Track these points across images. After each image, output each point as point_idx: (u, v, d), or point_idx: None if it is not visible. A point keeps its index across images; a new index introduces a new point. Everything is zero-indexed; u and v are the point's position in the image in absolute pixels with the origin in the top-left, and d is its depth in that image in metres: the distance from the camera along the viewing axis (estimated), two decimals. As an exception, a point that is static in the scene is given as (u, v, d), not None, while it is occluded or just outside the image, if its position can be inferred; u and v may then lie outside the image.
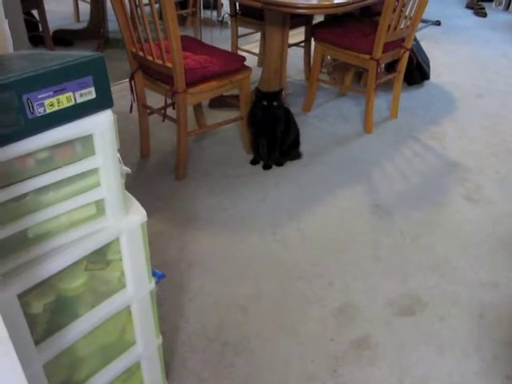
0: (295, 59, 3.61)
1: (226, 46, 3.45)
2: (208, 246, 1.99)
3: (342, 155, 2.64)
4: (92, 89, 0.88)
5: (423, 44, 3.55)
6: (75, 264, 1.02)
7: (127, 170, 1.08)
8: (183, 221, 2.12)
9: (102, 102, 0.90)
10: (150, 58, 2.15)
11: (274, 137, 2.40)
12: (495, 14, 5.41)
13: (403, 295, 1.78)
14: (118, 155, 1.04)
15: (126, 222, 1.06)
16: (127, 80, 2.36)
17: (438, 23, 4.79)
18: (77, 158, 0.94)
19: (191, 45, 2.41)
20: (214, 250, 1.97)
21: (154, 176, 2.41)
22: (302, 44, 3.43)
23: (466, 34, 4.66)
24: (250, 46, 3.84)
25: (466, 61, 4.01)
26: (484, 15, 5.22)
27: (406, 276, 1.87)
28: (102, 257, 1.10)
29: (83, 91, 0.87)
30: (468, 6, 5.55)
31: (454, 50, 4.24)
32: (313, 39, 2.89)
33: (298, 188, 2.36)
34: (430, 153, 2.69)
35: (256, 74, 3.05)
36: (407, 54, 2.82)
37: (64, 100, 0.85)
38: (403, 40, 2.76)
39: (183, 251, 1.96)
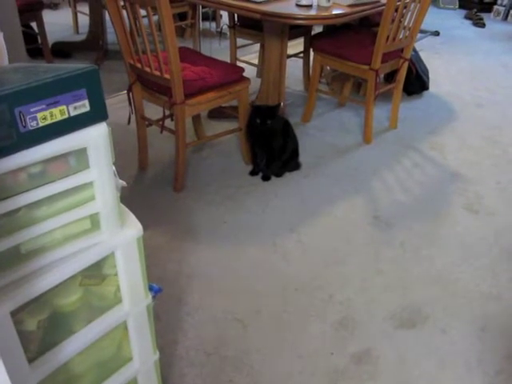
0: (294, 70, 3.62)
1: (225, 57, 3.46)
2: (207, 258, 1.97)
3: (342, 166, 2.63)
4: (86, 101, 0.86)
5: (422, 54, 3.55)
6: (70, 279, 1.00)
7: (122, 183, 1.06)
8: (182, 233, 2.10)
9: (97, 114, 0.89)
10: (147, 69, 2.14)
11: (272, 149, 2.39)
12: (494, 24, 5.43)
13: (404, 308, 1.76)
14: (114, 168, 1.02)
15: (121, 237, 1.04)
16: (126, 92, 2.36)
17: (436, 34, 4.81)
18: (71, 172, 0.92)
19: (190, 56, 2.41)
20: (213, 263, 1.94)
21: (152, 188, 2.40)
22: (301, 55, 3.43)
23: (465, 45, 4.67)
24: (249, 57, 3.85)
25: (465, 71, 4.01)
26: (482, 26, 5.24)
27: (407, 288, 1.85)
28: (97, 271, 1.08)
29: (77, 104, 0.85)
30: (467, 17, 5.57)
31: (453, 60, 4.24)
32: (311, 50, 2.89)
33: (297, 199, 2.34)
34: (430, 163, 2.68)
35: (255, 85, 3.05)
36: (406, 64, 2.82)
37: (57, 113, 0.83)
38: (402, 50, 2.76)
39: (182, 264, 1.94)
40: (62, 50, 3.99)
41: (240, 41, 3.36)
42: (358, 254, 2.01)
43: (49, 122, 0.83)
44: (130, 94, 2.32)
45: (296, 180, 2.49)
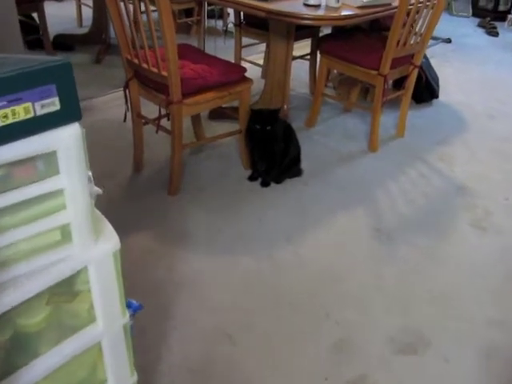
0: (300, 72, 3.51)
1: (230, 56, 3.36)
2: (198, 267, 1.86)
3: (345, 174, 2.52)
4: (56, 99, 0.76)
5: (433, 62, 3.44)
6: (36, 296, 0.89)
7: (98, 190, 0.96)
8: (174, 239, 1.99)
9: (68, 114, 0.79)
10: (145, 65, 2.04)
11: (272, 155, 2.29)
12: (507, 33, 5.31)
13: (405, 331, 1.65)
14: (90, 173, 0.92)
15: (95, 250, 0.94)
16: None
17: (448, 41, 4.69)
18: (38, 178, 0.82)
19: (190, 53, 2.31)
20: (204, 273, 1.84)
21: (146, 190, 2.29)
22: (308, 57, 3.33)
23: (478, 53, 4.56)
24: (255, 57, 3.74)
25: (476, 80, 3.90)
26: (496, 35, 5.12)
27: (408, 310, 1.74)
28: (68, 288, 0.97)
29: (45, 102, 0.75)
30: (480, 25, 5.44)
31: (465, 68, 4.13)
32: (318, 52, 2.79)
33: (297, 208, 2.23)
34: (437, 175, 2.57)
35: (259, 85, 2.94)
36: (416, 70, 2.71)
37: (21, 111, 0.73)
38: (412, 56, 2.65)
39: (171, 272, 1.83)
40: (64, 43, 3.89)
41: (246, 40, 3.26)
42: (358, 270, 1.90)
43: (10, 121, 0.73)
44: (127, 91, 2.22)
45: (296, 187, 2.38)
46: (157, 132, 2.12)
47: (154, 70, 2.01)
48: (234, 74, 2.20)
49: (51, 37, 3.66)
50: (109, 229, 0.99)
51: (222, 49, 3.73)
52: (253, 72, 3.31)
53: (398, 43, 2.41)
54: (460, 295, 1.81)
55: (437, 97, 3.38)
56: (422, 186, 2.46)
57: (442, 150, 2.81)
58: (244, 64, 3.29)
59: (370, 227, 2.14)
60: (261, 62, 3.53)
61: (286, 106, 2.84)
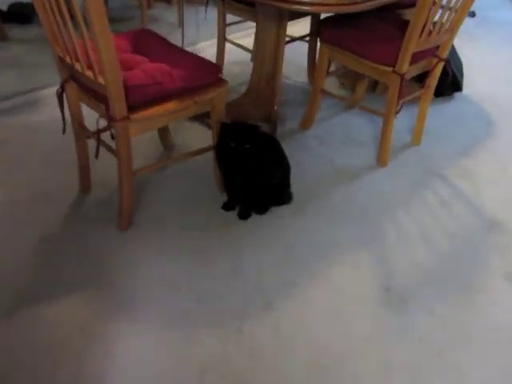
0: (298, 55, 2.93)
1: (213, 33, 2.78)
2: (143, 348, 1.39)
3: (346, 199, 2.01)
4: None
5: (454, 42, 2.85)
6: None
7: None
8: (115, 301, 1.51)
9: None
10: (78, 67, 1.50)
11: (252, 181, 1.77)
12: (538, 5, 4.64)
13: None
14: None
15: None
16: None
17: (472, 14, 4.06)
18: None
19: (146, 45, 1.76)
20: (148, 358, 1.37)
21: (91, 220, 1.79)
22: (307, 38, 2.75)
23: (507, 31, 3.92)
24: (243, 33, 3.16)
25: (506, 66, 3.31)
26: (526, 6, 4.46)
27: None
28: None
29: None
30: (507, -6, 4.77)
31: (492, 50, 3.53)
32: (318, 39, 2.22)
33: (282, 251, 1.74)
34: (460, 201, 2.05)
35: (249, 71, 2.37)
36: (441, 65, 2.15)
37: None
38: (437, 46, 2.09)
39: (105, 361, 1.36)
40: (21, 13, 3.30)
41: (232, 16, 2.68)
42: (358, 353, 1.43)
43: None
44: (63, 95, 1.68)
45: (283, 219, 1.87)
46: (96, 157, 1.60)
47: (89, 74, 1.47)
48: (204, 76, 1.66)
49: (5, 5, 3.08)
50: None
51: (204, 23, 3.14)
52: (241, 54, 2.75)
53: (421, 33, 1.84)
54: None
55: (460, 90, 2.82)
56: (442, 217, 1.96)
57: (465, 164, 2.28)
58: (229, 46, 2.74)
59: (377, 284, 1.65)
60: (251, 40, 2.94)
61: (275, 107, 2.29)
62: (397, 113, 2.06)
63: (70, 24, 1.38)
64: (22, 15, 3.26)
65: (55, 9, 1.38)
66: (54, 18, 1.42)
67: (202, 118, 2.30)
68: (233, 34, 3.04)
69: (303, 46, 2.82)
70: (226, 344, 1.41)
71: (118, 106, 1.45)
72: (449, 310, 1.58)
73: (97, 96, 1.54)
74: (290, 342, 1.44)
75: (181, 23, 3.26)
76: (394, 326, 1.51)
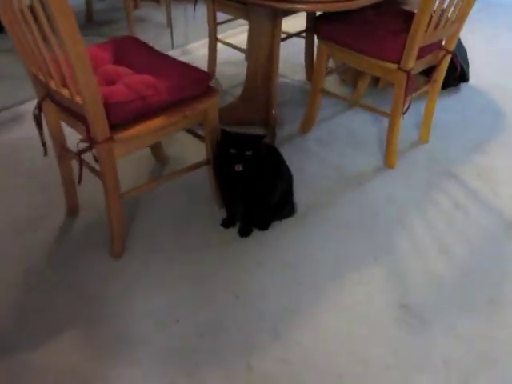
0: (295, 51, 2.78)
1: (202, 32, 2.63)
2: (141, 394, 1.26)
3: (354, 206, 1.87)
4: None
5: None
6: None
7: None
8: (108, 342, 1.38)
9: None
10: (52, 85, 1.36)
11: (254, 195, 1.64)
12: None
13: None
14: None
15: None
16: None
17: (473, -2, 3.88)
18: None
19: (130, 55, 1.61)
20: (148, 406, 1.24)
21: (79, 250, 1.65)
22: (304, 34, 2.60)
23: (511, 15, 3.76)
24: (236, 31, 3.01)
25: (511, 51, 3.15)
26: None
27: None
28: None
29: None
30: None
31: (497, 35, 3.37)
32: (316, 36, 2.08)
33: (287, 271, 1.60)
34: (477, 203, 1.91)
35: (243, 71, 2.22)
36: (448, 58, 2.00)
37: None
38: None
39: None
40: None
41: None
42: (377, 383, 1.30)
43: None
44: (41, 116, 1.54)
45: (287, 235, 1.74)
46: (79, 182, 1.46)
47: (66, 92, 1.33)
48: (193, 87, 1.51)
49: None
50: None
51: (194, 22, 2.99)
52: (234, 53, 2.60)
53: (427, 26, 1.70)
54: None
55: (467, 80, 2.67)
56: (459, 222, 1.82)
57: (479, 161, 2.14)
58: (220, 46, 2.59)
59: (391, 302, 1.51)
60: (244, 37, 2.78)
61: (274, 110, 2.15)
62: (404, 113, 1.91)
63: (37, 34, 1.23)
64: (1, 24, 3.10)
65: (21, 18, 1.24)
66: (21, 28, 1.28)
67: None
68: (224, 33, 2.90)
69: (300, 42, 2.67)
70: None
71: (100, 127, 1.31)
72: (473, 328, 1.45)
73: (76, 115, 1.40)
74: (301, 374, 1.31)
75: (169, 23, 3.11)
76: (413, 349, 1.38)
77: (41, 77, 1.39)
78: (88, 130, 1.33)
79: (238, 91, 2.34)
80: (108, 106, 1.32)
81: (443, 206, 1.89)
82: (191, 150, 2.05)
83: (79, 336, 1.39)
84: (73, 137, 1.53)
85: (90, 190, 1.77)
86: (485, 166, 2.11)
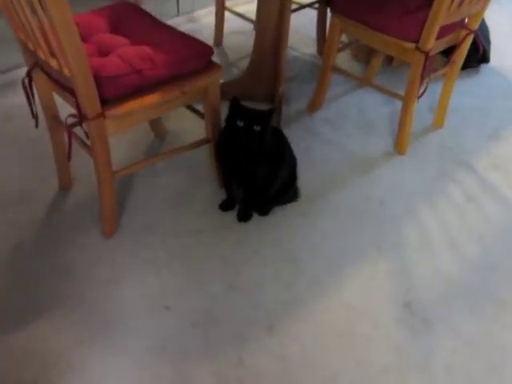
0: (305, 23, 2.64)
1: (210, 0, 2.50)
2: (126, 386, 1.20)
3: (361, 195, 1.78)
4: None
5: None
6: None
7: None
8: (96, 328, 1.32)
9: None
10: (41, 54, 1.26)
11: (255, 178, 1.54)
12: None
13: None
14: None
15: None
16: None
17: (498, -28, 3.68)
18: None
19: (128, 23, 1.49)
20: (133, 399, 1.18)
21: (70, 227, 1.58)
22: (317, 5, 2.46)
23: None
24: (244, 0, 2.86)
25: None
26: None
27: None
28: None
29: None
30: None
31: (520, 13, 3.19)
32: (329, 9, 1.94)
33: (286, 261, 1.53)
34: (491, 196, 1.81)
35: (251, 42, 2.09)
36: (471, 37, 1.87)
37: None
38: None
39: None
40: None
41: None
42: (375, 388, 1.24)
43: None
44: (30, 85, 1.44)
45: (288, 222, 1.65)
46: (68, 159, 1.37)
47: (53, 63, 1.23)
48: (193, 61, 1.40)
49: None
50: None
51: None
52: (243, 23, 2.46)
53: (451, 2, 1.56)
54: None
55: (487, 61, 2.52)
56: (471, 215, 1.72)
57: (495, 151, 2.03)
58: (228, 15, 2.45)
59: (394, 300, 1.44)
60: (253, 8, 2.64)
61: (281, 88, 2.03)
62: (419, 97, 1.79)
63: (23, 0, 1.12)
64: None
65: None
66: (8, -6, 1.17)
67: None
68: (232, 1, 2.75)
69: (312, 13, 2.52)
70: (224, 379, 1.22)
71: (90, 102, 1.22)
72: (479, 331, 1.37)
73: (65, 88, 1.30)
74: (296, 373, 1.25)
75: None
76: (416, 351, 1.31)
77: (29, 44, 1.28)
78: (78, 105, 1.24)
79: (245, 64, 2.21)
80: (99, 80, 1.22)
81: (455, 198, 1.79)
82: (192, 124, 1.95)
83: (65, 320, 1.33)
84: (66, 107, 1.44)
85: (85, 162, 1.67)
86: (502, 157, 2.00)
